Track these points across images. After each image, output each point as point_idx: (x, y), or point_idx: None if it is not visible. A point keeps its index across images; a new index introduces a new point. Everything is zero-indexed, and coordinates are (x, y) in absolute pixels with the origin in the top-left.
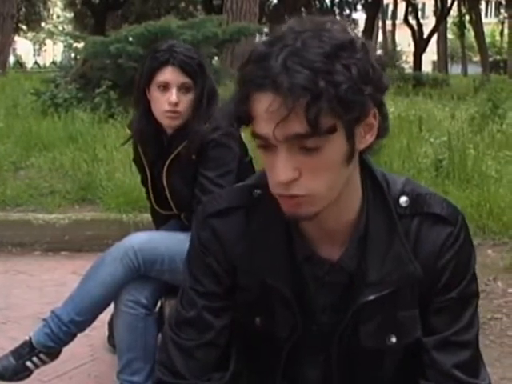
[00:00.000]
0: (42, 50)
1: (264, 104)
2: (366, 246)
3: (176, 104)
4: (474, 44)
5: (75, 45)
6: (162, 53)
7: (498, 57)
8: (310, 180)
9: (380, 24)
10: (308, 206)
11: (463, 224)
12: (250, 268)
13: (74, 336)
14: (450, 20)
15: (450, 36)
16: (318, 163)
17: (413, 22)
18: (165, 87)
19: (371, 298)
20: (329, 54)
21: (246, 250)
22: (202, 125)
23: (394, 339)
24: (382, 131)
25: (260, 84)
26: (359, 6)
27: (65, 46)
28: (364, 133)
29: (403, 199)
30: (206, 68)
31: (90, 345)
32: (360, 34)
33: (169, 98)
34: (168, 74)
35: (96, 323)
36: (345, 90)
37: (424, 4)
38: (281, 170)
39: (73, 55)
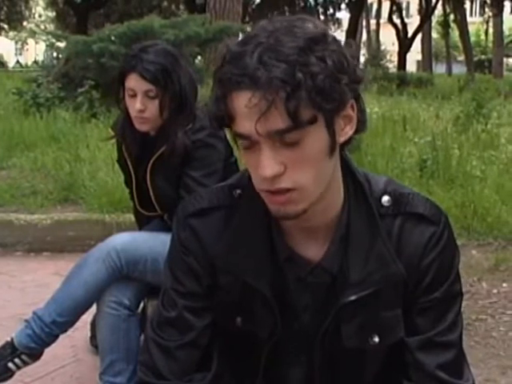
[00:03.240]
0: (23, 50)
1: (243, 101)
2: (348, 245)
3: (141, 111)
4: (459, 43)
5: (57, 44)
6: (130, 58)
7: (483, 56)
8: (296, 173)
9: (364, 23)
10: (296, 202)
11: (446, 224)
12: (230, 268)
13: (56, 337)
14: (434, 19)
15: (434, 35)
16: (301, 156)
17: (397, 21)
18: (133, 93)
19: (353, 298)
20: (303, 47)
21: (226, 250)
22: (180, 129)
23: (376, 339)
24: (361, 125)
25: (238, 82)
26: (343, 5)
27: (47, 46)
28: (344, 125)
29: (385, 199)
30: (172, 72)
31: (72, 346)
32: (344, 34)
33: (135, 105)
34: (133, 82)
35: (78, 324)
36: (322, 79)
37: (408, 3)
38: (266, 165)
39: (55, 54)
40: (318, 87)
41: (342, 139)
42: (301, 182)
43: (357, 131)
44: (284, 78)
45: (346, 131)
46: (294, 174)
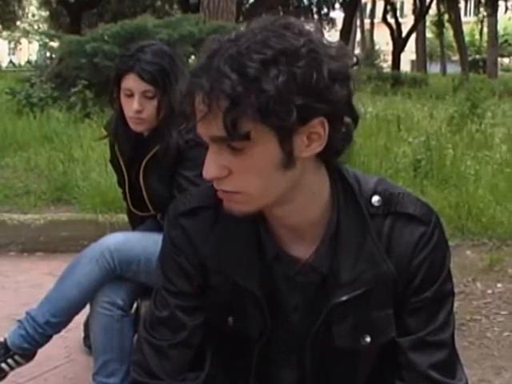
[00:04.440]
0: (17, 49)
1: (197, 102)
2: (338, 245)
3: (139, 111)
4: (453, 43)
5: (51, 44)
6: (127, 58)
7: (478, 56)
8: (240, 179)
9: (358, 23)
10: (241, 204)
11: (437, 223)
12: (220, 267)
13: (49, 337)
14: (428, 19)
15: (428, 35)
16: (246, 165)
17: (391, 20)
18: (130, 93)
19: (344, 298)
20: (267, 59)
21: (215, 250)
22: (174, 128)
23: (368, 339)
24: (337, 142)
25: (196, 83)
26: (337, 5)
27: (40, 45)
28: (308, 141)
29: (375, 199)
30: (170, 73)
31: (65, 346)
32: (338, 33)
33: (132, 105)
34: (131, 82)
35: (71, 324)
36: (267, 97)
37: (402, 3)
38: (206, 167)
39: (48, 54)
40: (261, 104)
41: (305, 154)
42: (243, 188)
43: (331, 147)
44: (226, 89)
45: (312, 148)
46: (238, 179)
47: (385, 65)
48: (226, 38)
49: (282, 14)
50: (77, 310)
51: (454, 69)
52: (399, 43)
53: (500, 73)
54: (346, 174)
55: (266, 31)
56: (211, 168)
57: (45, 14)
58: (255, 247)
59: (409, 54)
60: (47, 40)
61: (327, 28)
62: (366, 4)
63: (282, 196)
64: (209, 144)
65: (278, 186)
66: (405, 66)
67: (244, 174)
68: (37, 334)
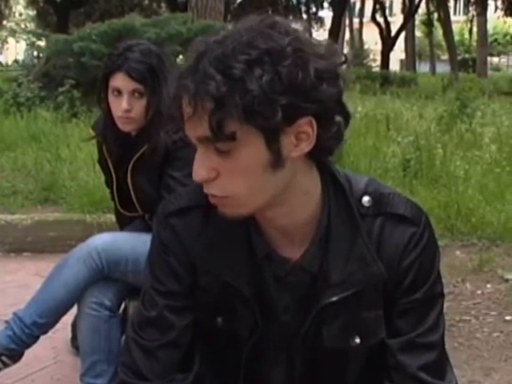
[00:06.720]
0: (4, 49)
1: (184, 105)
2: (328, 246)
3: (128, 110)
4: (443, 42)
5: (38, 43)
6: (115, 58)
7: (467, 55)
8: (228, 182)
9: (347, 22)
10: (230, 208)
11: (427, 224)
12: (210, 267)
13: (36, 338)
14: (417, 18)
15: (418, 34)
16: (233, 166)
17: (380, 19)
18: (118, 92)
19: (334, 299)
20: (252, 60)
21: (205, 249)
22: (162, 128)
23: (357, 340)
24: (326, 141)
25: (182, 85)
26: (326, 4)
27: (27, 45)
28: (297, 141)
29: (366, 199)
30: (159, 72)
31: (53, 347)
32: (327, 33)
33: (121, 105)
34: (119, 81)
35: (59, 325)
36: (251, 97)
37: (392, 2)
38: (195, 169)
39: (35, 53)
40: (246, 105)
41: (294, 154)
42: (232, 192)
43: (320, 146)
44: (211, 91)
45: (301, 148)
46: (225, 182)
47: (374, 64)
48: (213, 40)
49: (270, 13)
50: (64, 311)
51: (443, 68)
52: (388, 42)
53: (489, 72)
54: (337, 174)
55: (251, 31)
56: (199, 170)
57: (32, 13)
58: (245, 247)
59: (398, 53)
60: (34, 39)
61: (316, 27)
62: (354, 3)
63: (274, 198)
64: (196, 145)
65: (267, 187)
66: (394, 66)
67: (231, 176)
68: (24, 335)
